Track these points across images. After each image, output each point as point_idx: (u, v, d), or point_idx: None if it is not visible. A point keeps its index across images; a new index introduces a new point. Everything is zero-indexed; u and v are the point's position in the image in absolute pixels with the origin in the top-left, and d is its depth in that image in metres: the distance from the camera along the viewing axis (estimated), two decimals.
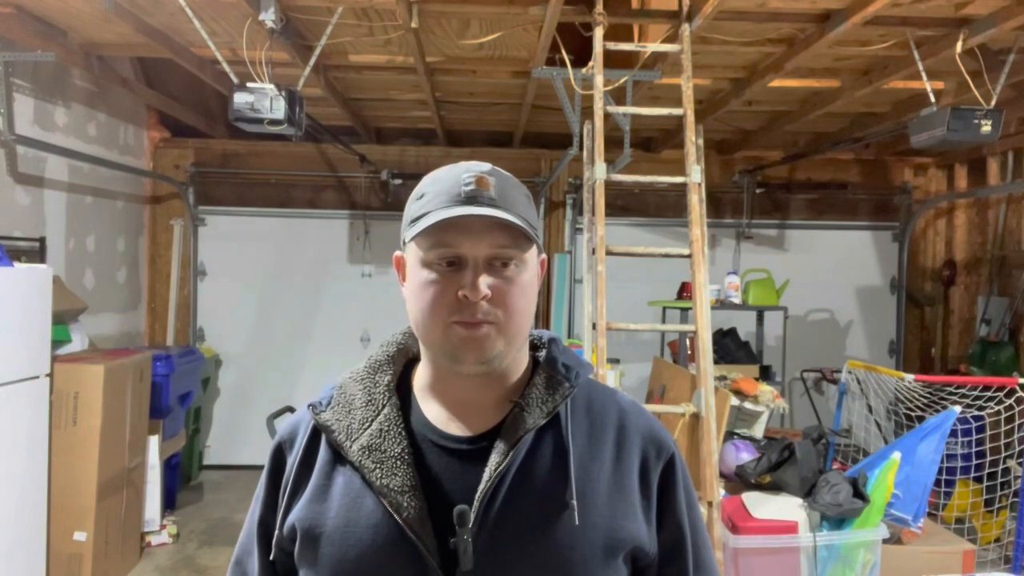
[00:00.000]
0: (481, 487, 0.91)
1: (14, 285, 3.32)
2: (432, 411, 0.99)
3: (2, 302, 3.22)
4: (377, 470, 0.93)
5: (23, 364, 3.37)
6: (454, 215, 0.91)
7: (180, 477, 5.34)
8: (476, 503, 0.90)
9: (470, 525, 0.89)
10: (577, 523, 0.91)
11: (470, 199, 0.92)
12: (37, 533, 3.50)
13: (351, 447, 0.96)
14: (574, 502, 0.91)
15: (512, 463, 0.92)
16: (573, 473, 0.93)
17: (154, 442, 4.40)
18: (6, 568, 3.27)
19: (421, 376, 1.03)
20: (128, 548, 4.13)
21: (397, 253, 1.02)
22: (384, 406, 0.98)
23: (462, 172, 0.95)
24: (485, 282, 0.91)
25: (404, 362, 1.06)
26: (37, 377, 3.46)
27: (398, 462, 0.93)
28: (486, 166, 0.97)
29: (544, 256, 1.04)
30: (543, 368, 1.00)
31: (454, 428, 0.97)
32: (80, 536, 3.70)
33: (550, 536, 0.91)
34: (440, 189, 0.95)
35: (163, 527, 4.50)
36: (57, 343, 3.91)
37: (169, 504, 4.94)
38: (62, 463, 3.64)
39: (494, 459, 0.92)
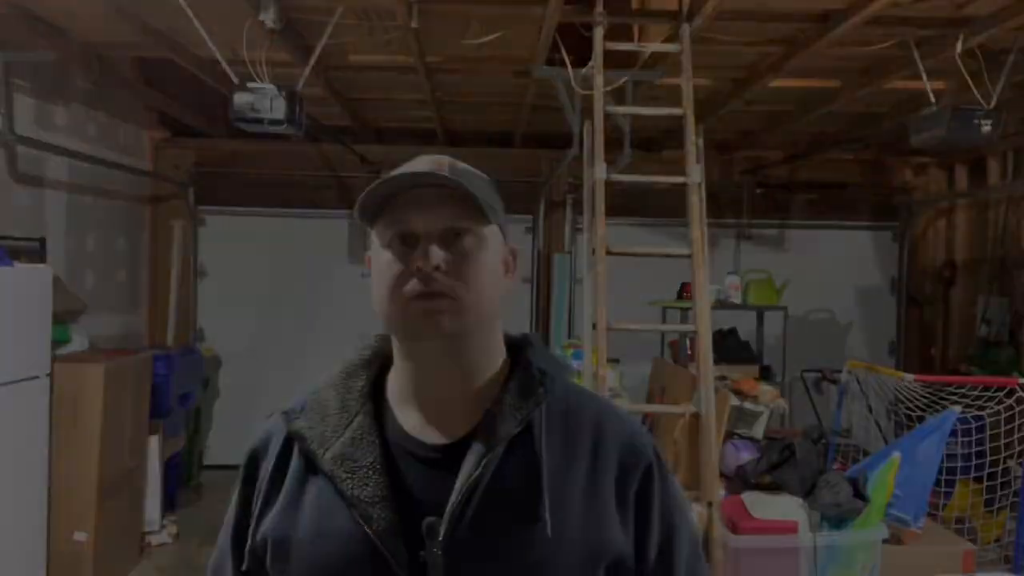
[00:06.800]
0: (451, 499, 0.89)
1: (14, 285, 3.32)
2: (406, 417, 0.96)
3: (2, 302, 3.22)
4: (349, 480, 0.91)
5: (23, 364, 3.37)
6: (396, 177, 0.91)
7: (180, 477, 5.33)
8: (446, 516, 0.88)
9: (440, 538, 0.88)
10: (549, 536, 0.88)
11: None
12: (37, 533, 3.50)
13: (324, 456, 0.93)
14: (546, 515, 0.89)
15: (484, 475, 0.90)
16: (546, 484, 0.90)
17: (154, 442, 4.41)
18: (6, 568, 3.27)
19: (395, 379, 1.00)
20: (128, 548, 4.13)
21: (367, 254, 0.99)
22: (358, 413, 0.95)
23: (418, 160, 0.96)
24: (438, 253, 0.90)
25: (379, 365, 1.02)
26: (37, 377, 3.46)
27: (370, 472, 0.91)
28: (445, 157, 0.97)
29: (515, 246, 1.02)
30: (517, 372, 0.97)
31: (429, 434, 0.94)
32: (80, 536, 3.70)
33: (521, 549, 0.89)
34: (396, 173, 0.94)
35: (163, 527, 4.50)
36: (57, 343, 3.90)
37: (169, 504, 4.93)
38: (62, 463, 3.64)
39: (465, 470, 0.90)
